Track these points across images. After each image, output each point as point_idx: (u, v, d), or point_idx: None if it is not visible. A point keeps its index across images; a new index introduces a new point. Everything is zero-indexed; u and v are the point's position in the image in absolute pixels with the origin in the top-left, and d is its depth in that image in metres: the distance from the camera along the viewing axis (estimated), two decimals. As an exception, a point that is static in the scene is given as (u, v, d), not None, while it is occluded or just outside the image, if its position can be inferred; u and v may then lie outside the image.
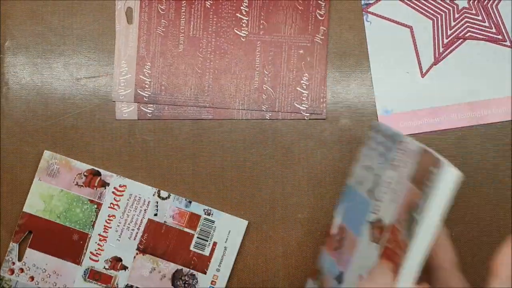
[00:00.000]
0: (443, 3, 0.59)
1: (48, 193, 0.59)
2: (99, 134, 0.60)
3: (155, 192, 0.59)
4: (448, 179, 0.41)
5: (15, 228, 0.59)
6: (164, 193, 0.59)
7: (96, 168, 0.59)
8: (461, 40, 0.59)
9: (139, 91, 0.60)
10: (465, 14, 0.59)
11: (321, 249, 0.58)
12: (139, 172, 0.60)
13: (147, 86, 0.60)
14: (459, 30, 0.59)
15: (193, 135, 0.60)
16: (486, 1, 0.59)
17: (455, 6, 0.59)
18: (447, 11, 0.59)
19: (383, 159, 0.51)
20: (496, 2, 0.59)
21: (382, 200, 0.49)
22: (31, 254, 0.59)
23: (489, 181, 0.59)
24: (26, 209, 0.59)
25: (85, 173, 0.59)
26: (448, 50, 0.59)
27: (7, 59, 0.60)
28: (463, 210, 0.59)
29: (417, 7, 0.59)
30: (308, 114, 0.59)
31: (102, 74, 0.60)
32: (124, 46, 0.60)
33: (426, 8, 0.59)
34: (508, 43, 0.58)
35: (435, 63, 0.59)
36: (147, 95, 0.60)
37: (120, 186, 0.59)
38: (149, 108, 0.60)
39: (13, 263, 0.59)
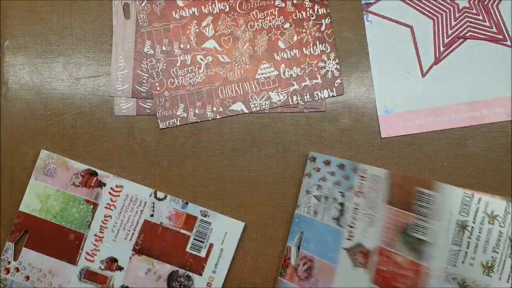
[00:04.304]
0: (443, 3, 0.58)
1: (45, 193, 0.59)
2: (99, 134, 0.59)
3: (151, 193, 0.59)
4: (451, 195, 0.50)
5: (11, 227, 0.59)
6: (160, 194, 0.59)
7: (93, 168, 0.59)
8: (462, 39, 0.58)
9: (136, 86, 0.60)
10: (466, 14, 0.58)
11: (280, 281, 0.57)
12: (138, 172, 0.59)
13: (144, 81, 0.59)
14: (460, 30, 0.58)
15: (192, 134, 0.59)
16: (486, 1, 0.58)
17: (455, 6, 0.58)
18: (447, 10, 0.58)
19: (341, 187, 0.55)
20: (496, 1, 0.58)
21: (354, 226, 0.54)
22: (27, 254, 0.58)
23: (490, 180, 0.58)
24: (22, 208, 0.59)
25: (81, 173, 0.59)
26: (449, 50, 0.58)
27: (7, 59, 0.60)
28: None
29: (417, 7, 0.59)
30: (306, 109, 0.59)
31: (102, 73, 0.60)
32: (121, 41, 0.60)
33: (427, 8, 0.58)
34: (508, 42, 0.57)
35: (435, 63, 0.58)
36: (144, 90, 0.59)
37: (116, 186, 0.59)
38: (147, 104, 0.59)
39: (9, 263, 0.58)
